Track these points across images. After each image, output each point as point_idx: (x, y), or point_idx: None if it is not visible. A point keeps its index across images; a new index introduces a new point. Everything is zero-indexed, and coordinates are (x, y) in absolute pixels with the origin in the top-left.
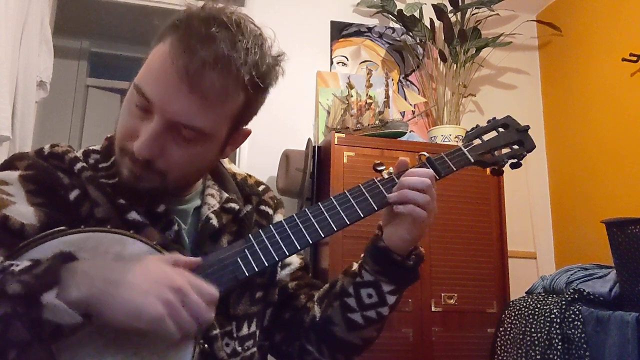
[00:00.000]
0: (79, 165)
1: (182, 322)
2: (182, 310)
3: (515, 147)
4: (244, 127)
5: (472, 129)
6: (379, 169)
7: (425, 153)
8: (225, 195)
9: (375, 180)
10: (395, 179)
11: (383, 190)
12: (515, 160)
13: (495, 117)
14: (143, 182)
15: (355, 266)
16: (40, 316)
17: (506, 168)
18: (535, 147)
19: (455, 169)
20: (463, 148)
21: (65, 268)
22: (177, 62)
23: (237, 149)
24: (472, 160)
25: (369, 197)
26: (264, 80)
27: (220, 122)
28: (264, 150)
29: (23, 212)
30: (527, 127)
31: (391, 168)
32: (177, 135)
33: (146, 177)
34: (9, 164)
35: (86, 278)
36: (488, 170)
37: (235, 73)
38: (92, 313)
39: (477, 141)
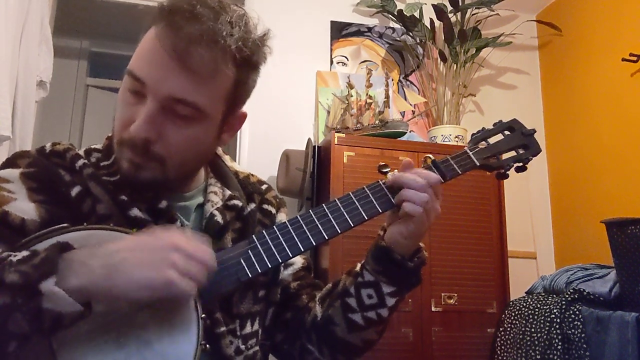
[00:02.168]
0: (80, 162)
1: (193, 275)
2: (190, 263)
3: (521, 151)
4: (240, 110)
5: (478, 131)
6: (384, 170)
7: (430, 156)
8: (228, 192)
9: (380, 183)
10: None
11: (388, 193)
12: (520, 164)
13: (501, 120)
14: (143, 172)
15: (358, 266)
16: (40, 305)
17: (511, 171)
18: (540, 151)
19: (460, 173)
20: (469, 151)
21: (63, 257)
22: (165, 42)
23: (237, 149)
24: (478, 164)
25: (373, 200)
26: (252, 54)
27: (213, 99)
28: (264, 150)
29: (24, 208)
30: (534, 131)
31: (396, 170)
32: (173, 115)
33: (146, 166)
34: (11, 162)
35: (84, 266)
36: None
37: (222, 45)
38: (94, 300)
39: (482, 144)
